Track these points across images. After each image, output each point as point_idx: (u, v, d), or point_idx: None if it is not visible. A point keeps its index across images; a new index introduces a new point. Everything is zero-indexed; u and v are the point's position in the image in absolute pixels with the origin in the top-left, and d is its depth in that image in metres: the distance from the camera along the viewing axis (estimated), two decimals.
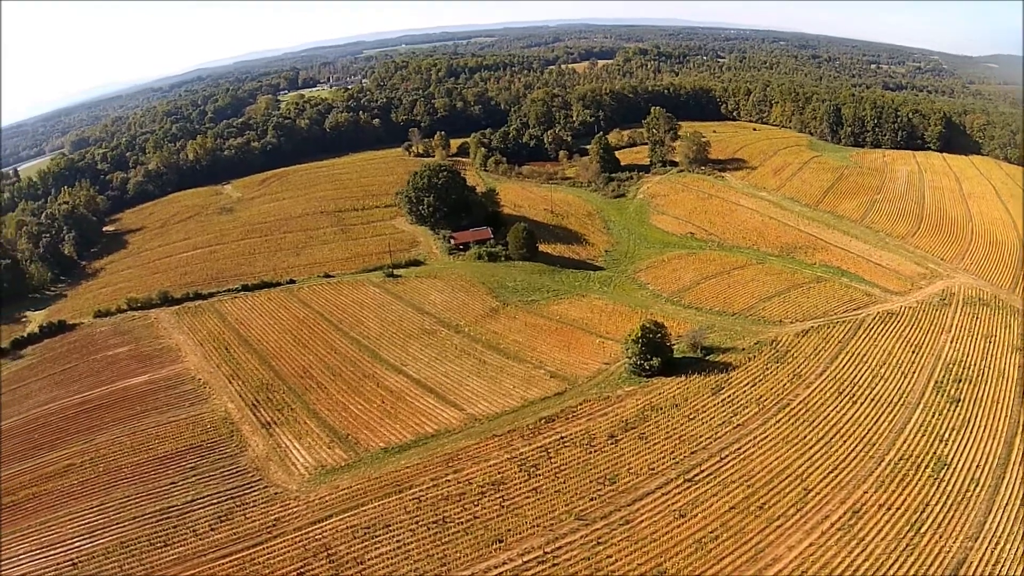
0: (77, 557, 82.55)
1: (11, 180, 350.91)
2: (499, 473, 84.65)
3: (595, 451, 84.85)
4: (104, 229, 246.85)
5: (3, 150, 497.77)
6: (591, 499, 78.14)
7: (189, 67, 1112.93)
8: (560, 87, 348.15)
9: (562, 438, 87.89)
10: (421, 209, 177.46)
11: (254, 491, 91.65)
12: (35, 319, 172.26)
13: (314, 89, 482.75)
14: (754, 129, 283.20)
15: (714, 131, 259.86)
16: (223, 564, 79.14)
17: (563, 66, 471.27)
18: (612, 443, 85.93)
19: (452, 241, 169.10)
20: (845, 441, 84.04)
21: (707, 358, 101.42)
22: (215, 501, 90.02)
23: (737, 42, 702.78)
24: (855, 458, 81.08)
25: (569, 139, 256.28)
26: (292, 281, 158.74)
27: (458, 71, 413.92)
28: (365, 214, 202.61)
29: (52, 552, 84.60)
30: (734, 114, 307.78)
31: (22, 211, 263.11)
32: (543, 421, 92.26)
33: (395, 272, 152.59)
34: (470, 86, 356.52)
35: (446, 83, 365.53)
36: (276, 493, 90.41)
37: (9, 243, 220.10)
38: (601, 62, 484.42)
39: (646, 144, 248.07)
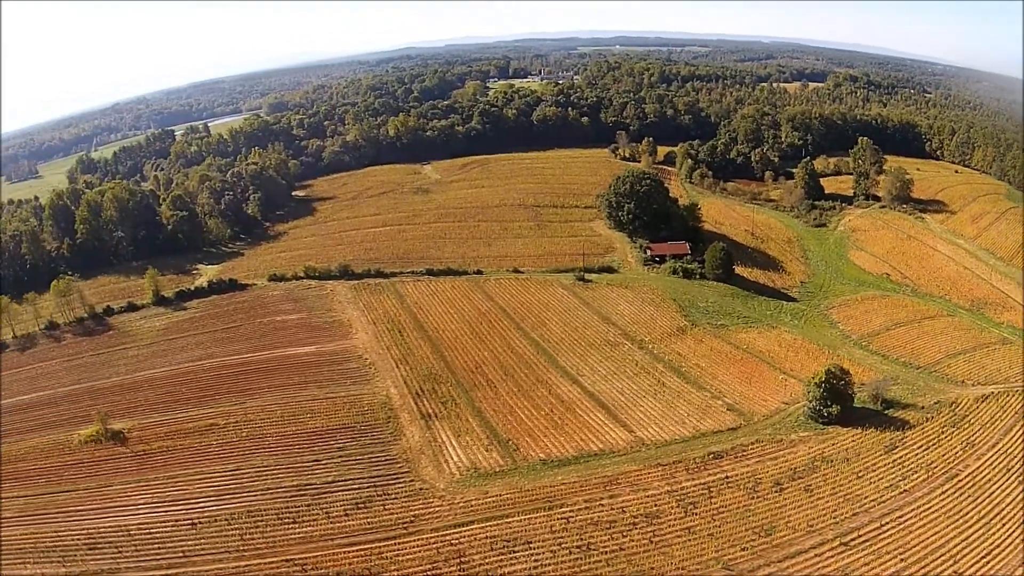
0: (199, 518, 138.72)
1: (200, 134, 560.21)
2: (655, 505, 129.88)
3: (757, 497, 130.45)
4: (293, 194, 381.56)
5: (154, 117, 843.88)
6: (743, 548, 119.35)
7: (399, 44, 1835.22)
8: (770, 105, 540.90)
9: (727, 477, 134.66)
10: (620, 215, 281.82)
11: (399, 483, 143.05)
12: (206, 273, 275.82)
13: (524, 80, 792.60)
14: (956, 171, 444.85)
15: (917, 169, 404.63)
16: (348, 552, 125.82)
17: (774, 84, 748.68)
18: (776, 491, 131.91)
19: (648, 252, 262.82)
20: (1005, 524, 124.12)
21: (886, 412, 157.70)
22: (356, 486, 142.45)
23: (943, 78, 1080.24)
24: (1012, 545, 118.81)
25: (776, 160, 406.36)
26: (479, 272, 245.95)
27: (670, 78, 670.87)
28: (563, 212, 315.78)
29: (173, 508, 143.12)
30: (937, 153, 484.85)
31: (208, 166, 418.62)
32: (711, 456, 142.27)
33: (586, 276, 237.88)
34: (681, 94, 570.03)
35: (657, 89, 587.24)
36: (421, 489, 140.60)
37: (189, 195, 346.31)
38: (812, 84, 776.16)
39: (850, 174, 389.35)
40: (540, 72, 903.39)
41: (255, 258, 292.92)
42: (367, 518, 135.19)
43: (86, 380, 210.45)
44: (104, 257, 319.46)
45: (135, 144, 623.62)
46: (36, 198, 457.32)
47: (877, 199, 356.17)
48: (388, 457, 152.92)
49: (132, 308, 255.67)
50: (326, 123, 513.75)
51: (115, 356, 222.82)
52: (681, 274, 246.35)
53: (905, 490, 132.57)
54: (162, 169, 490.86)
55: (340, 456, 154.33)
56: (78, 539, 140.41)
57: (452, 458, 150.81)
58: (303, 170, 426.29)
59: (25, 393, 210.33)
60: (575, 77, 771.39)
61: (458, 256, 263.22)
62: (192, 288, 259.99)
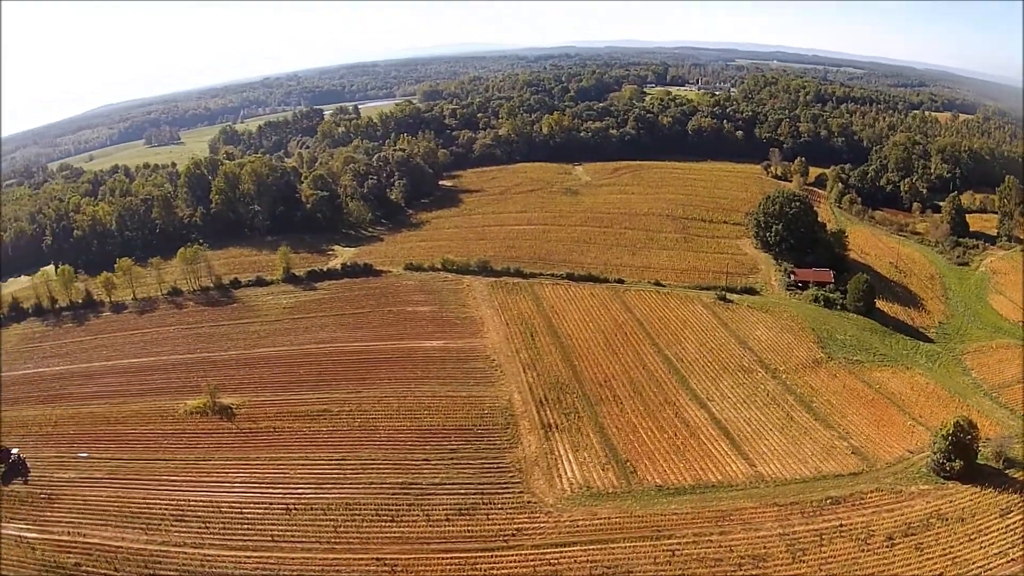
0: (295, 504, 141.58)
1: (349, 116, 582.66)
2: (764, 548, 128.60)
3: (868, 551, 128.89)
4: (439, 183, 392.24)
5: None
6: None
7: (560, 42, 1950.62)
8: (921, 135, 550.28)
9: (841, 525, 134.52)
10: (768, 236, 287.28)
11: (507, 493, 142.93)
12: (342, 255, 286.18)
13: (681, 88, 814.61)
14: None
15: None
16: (442, 559, 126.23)
17: (926, 113, 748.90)
18: (887, 546, 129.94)
19: (792, 276, 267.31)
20: None
21: (1006, 471, 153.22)
22: (462, 491, 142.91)
23: None
24: None
25: (924, 191, 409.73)
26: (621, 281, 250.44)
27: (825, 98, 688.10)
28: (711, 227, 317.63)
29: (269, 490, 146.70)
30: None
31: (354, 148, 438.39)
32: (829, 501, 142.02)
33: (728, 296, 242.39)
34: (836, 115, 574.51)
35: (812, 108, 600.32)
36: (529, 502, 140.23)
37: (332, 176, 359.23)
38: (962, 116, 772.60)
39: (995, 213, 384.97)
40: (697, 81, 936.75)
41: (393, 245, 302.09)
42: (468, 526, 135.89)
43: (202, 350, 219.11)
44: (238, 229, 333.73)
45: (281, 120, 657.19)
46: (173, 164, 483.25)
47: (1021, 241, 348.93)
48: (501, 465, 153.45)
49: (261, 283, 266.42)
50: (479, 115, 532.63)
51: (236, 329, 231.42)
52: (822, 303, 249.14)
53: (1012, 559, 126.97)
54: (307, 147, 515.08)
55: (451, 458, 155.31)
56: (166, 509, 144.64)
57: (566, 473, 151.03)
58: (452, 160, 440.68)
59: (136, 356, 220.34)
60: (732, 89, 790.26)
61: (600, 262, 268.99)
62: (325, 269, 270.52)
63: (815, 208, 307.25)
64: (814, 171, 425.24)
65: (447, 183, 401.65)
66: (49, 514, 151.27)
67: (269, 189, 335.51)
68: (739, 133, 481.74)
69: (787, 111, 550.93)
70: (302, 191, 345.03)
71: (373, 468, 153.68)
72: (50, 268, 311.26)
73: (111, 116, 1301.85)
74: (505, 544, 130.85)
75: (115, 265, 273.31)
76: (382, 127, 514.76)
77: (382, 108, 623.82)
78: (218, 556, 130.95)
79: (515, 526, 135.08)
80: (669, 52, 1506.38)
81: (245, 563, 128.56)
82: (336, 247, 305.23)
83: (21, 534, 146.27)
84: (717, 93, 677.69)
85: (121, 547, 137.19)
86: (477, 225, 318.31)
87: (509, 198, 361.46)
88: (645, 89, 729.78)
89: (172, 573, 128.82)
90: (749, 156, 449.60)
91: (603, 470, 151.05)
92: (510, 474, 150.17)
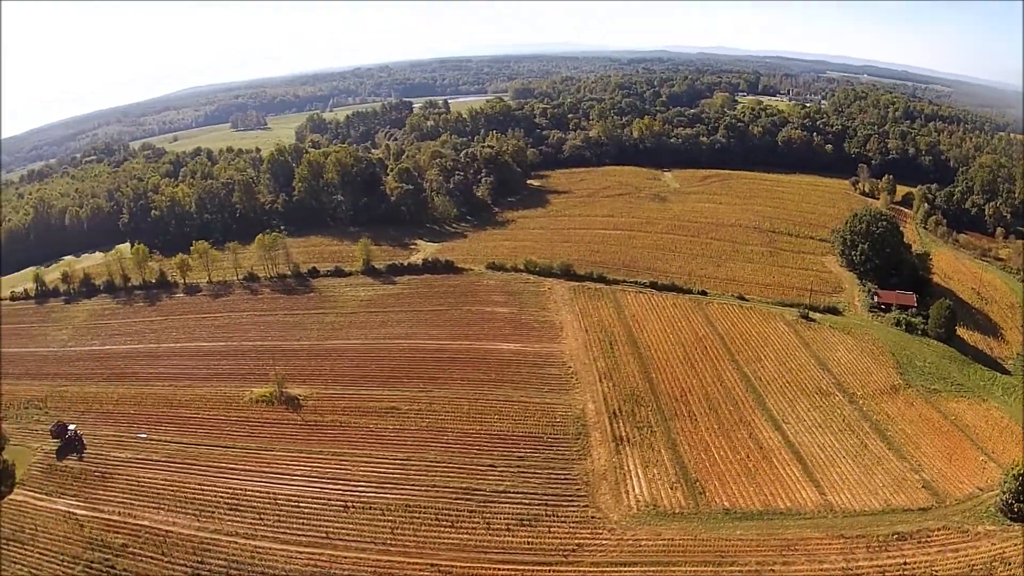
0: (353, 501, 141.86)
1: (439, 110, 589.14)
2: None
3: None
4: (527, 182, 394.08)
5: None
6: None
7: (654, 46, 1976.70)
8: (1007, 157, 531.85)
9: (905, 563, 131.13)
10: (853, 255, 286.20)
11: (572, 506, 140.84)
12: (424, 250, 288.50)
13: (772, 98, 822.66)
14: None
15: None
16: (499, 570, 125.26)
17: (1011, 135, 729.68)
18: None
19: (876, 298, 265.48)
20: None
21: None
22: (526, 501, 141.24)
23: None
24: None
25: (1008, 216, 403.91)
26: (704, 292, 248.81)
27: (914, 115, 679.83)
28: (797, 242, 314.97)
29: (329, 486, 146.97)
30: None
31: (442, 143, 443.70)
32: (896, 537, 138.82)
33: (810, 315, 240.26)
34: (924, 133, 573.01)
35: (901, 124, 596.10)
36: (593, 517, 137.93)
37: (418, 169, 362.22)
38: None
39: None
40: (788, 92, 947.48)
41: (477, 242, 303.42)
42: (528, 537, 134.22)
43: (274, 338, 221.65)
44: (320, 219, 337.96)
45: (370, 110, 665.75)
46: (257, 150, 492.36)
47: None
48: (568, 476, 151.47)
49: (339, 273, 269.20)
50: (570, 116, 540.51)
51: (310, 319, 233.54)
52: (904, 327, 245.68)
53: None
54: (395, 139, 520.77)
55: (518, 466, 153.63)
56: (221, 496, 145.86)
57: (634, 490, 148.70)
58: (541, 160, 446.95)
59: (206, 340, 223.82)
60: (822, 102, 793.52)
61: (685, 272, 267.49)
62: (405, 263, 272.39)
63: (901, 228, 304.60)
64: (901, 189, 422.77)
65: (535, 183, 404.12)
66: (101, 492, 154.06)
67: (353, 179, 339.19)
68: (828, 147, 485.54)
69: (876, 127, 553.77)
70: (387, 183, 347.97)
71: (437, 471, 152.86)
72: (125, 246, 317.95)
73: (197, 98, 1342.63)
74: (564, 559, 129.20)
75: (191, 247, 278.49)
76: (472, 123, 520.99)
77: (472, 104, 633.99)
78: (269, 549, 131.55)
79: (576, 541, 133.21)
80: (760, 61, 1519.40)
81: (296, 558, 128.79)
82: (419, 241, 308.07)
83: (70, 510, 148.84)
84: (807, 105, 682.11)
85: (171, 531, 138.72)
86: (563, 227, 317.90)
87: (596, 201, 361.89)
88: (737, 97, 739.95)
89: (220, 563, 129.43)
90: (837, 170, 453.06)
91: (671, 489, 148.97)
92: (576, 487, 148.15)
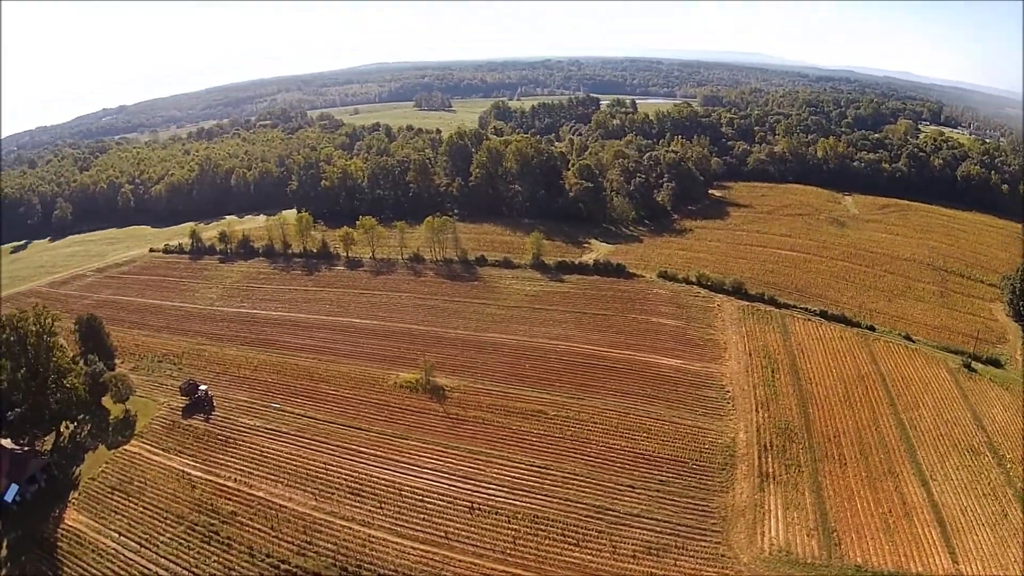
0: (480, 504, 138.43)
1: (626, 109, 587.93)
2: None
3: None
4: (708, 192, 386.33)
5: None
6: None
7: (842, 65, 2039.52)
8: None
9: None
10: (1021, 305, 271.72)
11: (703, 540, 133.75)
12: (597, 251, 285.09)
13: (954, 130, 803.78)
14: None
15: None
16: None
17: None
18: None
19: None
20: None
21: None
22: (658, 529, 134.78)
23: None
24: None
25: None
26: (872, 328, 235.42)
27: None
28: (967, 284, 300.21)
29: (459, 484, 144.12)
30: None
31: (627, 143, 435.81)
32: None
33: (972, 364, 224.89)
34: None
35: None
36: (723, 555, 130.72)
37: (599, 167, 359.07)
38: None
39: None
40: (969, 125, 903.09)
41: (652, 248, 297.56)
42: (652, 568, 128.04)
43: (429, 323, 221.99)
44: (494, 207, 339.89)
45: (556, 103, 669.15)
46: (438, 131, 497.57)
47: None
48: (706, 508, 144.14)
49: (507, 264, 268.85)
50: (756, 128, 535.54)
51: (469, 308, 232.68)
52: None
53: None
54: (579, 134, 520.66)
55: (657, 490, 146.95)
56: (344, 479, 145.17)
57: (770, 532, 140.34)
58: (724, 170, 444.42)
59: (359, 316, 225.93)
60: (1001, 139, 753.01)
61: (855, 304, 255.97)
62: (576, 262, 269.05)
63: None
64: None
65: (716, 193, 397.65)
66: (220, 456, 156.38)
67: (532, 171, 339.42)
68: (1004, 187, 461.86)
69: None
70: (566, 178, 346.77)
71: (573, 483, 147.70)
72: (290, 213, 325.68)
73: (382, 74, 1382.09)
74: None
75: (357, 222, 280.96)
76: (658, 125, 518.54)
77: (659, 106, 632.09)
78: (383, 540, 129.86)
79: None
80: (942, 90, 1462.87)
81: (409, 554, 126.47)
82: (593, 241, 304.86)
83: (185, 469, 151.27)
84: (988, 140, 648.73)
85: (285, 507, 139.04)
86: (739, 242, 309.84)
87: (776, 219, 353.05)
88: (919, 126, 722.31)
89: (329, 546, 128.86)
90: (1013, 212, 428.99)
91: (808, 536, 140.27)
92: (712, 520, 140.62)
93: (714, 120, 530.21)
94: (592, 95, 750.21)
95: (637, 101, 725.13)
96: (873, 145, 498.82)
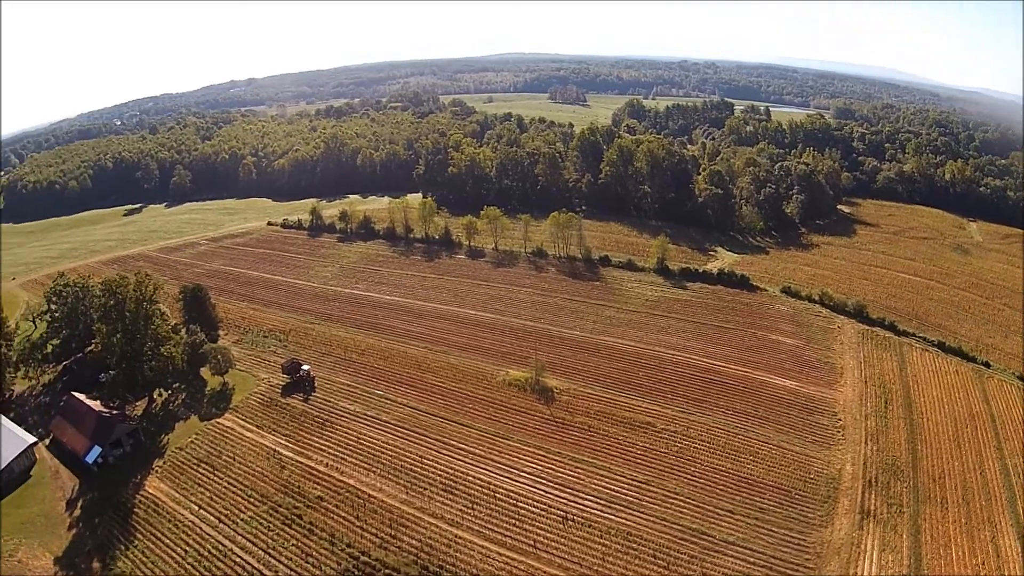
0: (574, 515, 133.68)
1: (760, 116, 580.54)
2: None
3: None
4: (837, 207, 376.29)
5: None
6: None
7: (972, 86, 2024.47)
8: None
9: None
10: None
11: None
12: (722, 259, 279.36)
13: None
14: None
15: None
16: None
17: None
18: None
19: None
20: None
21: None
22: (751, 559, 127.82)
23: None
24: None
25: None
26: (987, 364, 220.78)
27: None
28: None
29: (556, 492, 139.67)
30: None
31: (759, 151, 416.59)
32: None
33: None
34: None
35: None
36: None
37: (729, 174, 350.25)
38: None
39: None
40: None
41: (778, 261, 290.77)
42: None
43: (545, 321, 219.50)
44: (623, 206, 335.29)
45: (690, 105, 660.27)
46: (571, 125, 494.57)
47: None
48: (802, 542, 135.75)
49: (630, 267, 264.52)
50: (886, 145, 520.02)
51: (588, 308, 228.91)
52: None
53: None
54: (712, 138, 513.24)
55: (756, 517, 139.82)
56: (439, 474, 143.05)
57: (862, 573, 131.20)
58: (853, 186, 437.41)
59: (475, 308, 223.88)
60: None
61: (973, 337, 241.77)
62: (700, 270, 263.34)
63: None
64: None
65: (845, 209, 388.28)
66: (315, 439, 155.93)
67: (663, 172, 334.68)
68: None
69: None
70: (696, 182, 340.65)
71: (672, 502, 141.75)
72: (414, 197, 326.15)
73: (518, 64, 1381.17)
74: None
75: (482, 211, 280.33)
76: (790, 135, 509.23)
77: (793, 115, 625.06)
78: (468, 542, 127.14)
79: None
80: None
81: (493, 559, 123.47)
82: (719, 249, 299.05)
83: (277, 448, 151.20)
84: None
85: (374, 497, 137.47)
86: (864, 262, 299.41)
87: (901, 241, 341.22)
88: None
89: (413, 542, 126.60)
90: None
91: None
92: (807, 556, 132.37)
93: (846, 134, 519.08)
94: (726, 99, 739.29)
95: (771, 109, 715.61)
96: (1000, 171, 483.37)
